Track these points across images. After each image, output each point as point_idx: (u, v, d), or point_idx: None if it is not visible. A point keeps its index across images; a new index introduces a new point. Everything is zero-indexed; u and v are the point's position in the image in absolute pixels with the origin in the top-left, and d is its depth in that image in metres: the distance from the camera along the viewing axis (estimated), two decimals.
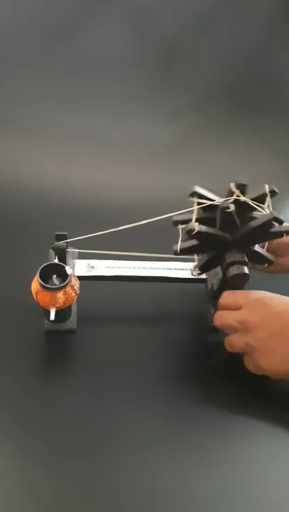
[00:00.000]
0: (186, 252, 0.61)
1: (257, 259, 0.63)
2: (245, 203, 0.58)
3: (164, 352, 0.65)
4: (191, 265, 0.67)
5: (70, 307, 0.64)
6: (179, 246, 0.60)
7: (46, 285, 0.58)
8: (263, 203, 0.59)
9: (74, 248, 0.66)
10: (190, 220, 0.59)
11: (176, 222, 0.60)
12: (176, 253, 0.61)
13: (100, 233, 0.61)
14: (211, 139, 0.88)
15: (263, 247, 0.64)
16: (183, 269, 0.68)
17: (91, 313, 0.67)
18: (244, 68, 0.92)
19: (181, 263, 0.68)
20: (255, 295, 0.60)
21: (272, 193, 0.59)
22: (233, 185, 0.58)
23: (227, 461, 0.57)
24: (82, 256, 0.66)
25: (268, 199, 0.59)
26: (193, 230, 0.58)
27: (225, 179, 0.58)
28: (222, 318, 0.61)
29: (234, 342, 0.60)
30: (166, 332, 0.67)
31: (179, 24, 0.91)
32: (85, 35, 0.90)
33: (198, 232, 0.58)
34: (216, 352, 0.66)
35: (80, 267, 0.66)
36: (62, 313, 0.63)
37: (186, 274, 0.67)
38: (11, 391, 0.60)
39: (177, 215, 0.60)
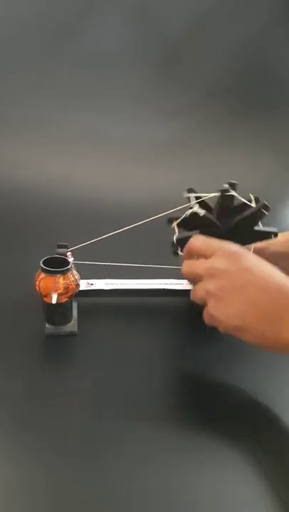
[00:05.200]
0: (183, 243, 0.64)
1: (262, 236, 0.65)
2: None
3: (165, 355, 0.64)
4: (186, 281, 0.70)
5: (70, 310, 0.65)
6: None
7: (48, 268, 0.61)
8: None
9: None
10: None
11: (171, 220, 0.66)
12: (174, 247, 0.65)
13: (98, 239, 0.65)
14: (211, 138, 0.89)
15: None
16: (180, 285, 0.71)
17: (91, 317, 0.67)
18: (245, 67, 0.93)
19: (178, 280, 0.71)
20: (230, 245, 0.57)
21: (232, 185, 0.63)
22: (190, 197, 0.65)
23: (229, 460, 0.53)
24: (77, 266, 0.67)
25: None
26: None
27: (225, 178, 0.63)
28: (191, 266, 0.58)
29: (197, 289, 0.57)
30: (167, 335, 0.67)
31: (180, 23, 0.92)
32: (85, 33, 0.91)
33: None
34: (217, 354, 0.65)
35: None
36: (63, 315, 0.64)
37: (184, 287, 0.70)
38: (12, 395, 0.58)
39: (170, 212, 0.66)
